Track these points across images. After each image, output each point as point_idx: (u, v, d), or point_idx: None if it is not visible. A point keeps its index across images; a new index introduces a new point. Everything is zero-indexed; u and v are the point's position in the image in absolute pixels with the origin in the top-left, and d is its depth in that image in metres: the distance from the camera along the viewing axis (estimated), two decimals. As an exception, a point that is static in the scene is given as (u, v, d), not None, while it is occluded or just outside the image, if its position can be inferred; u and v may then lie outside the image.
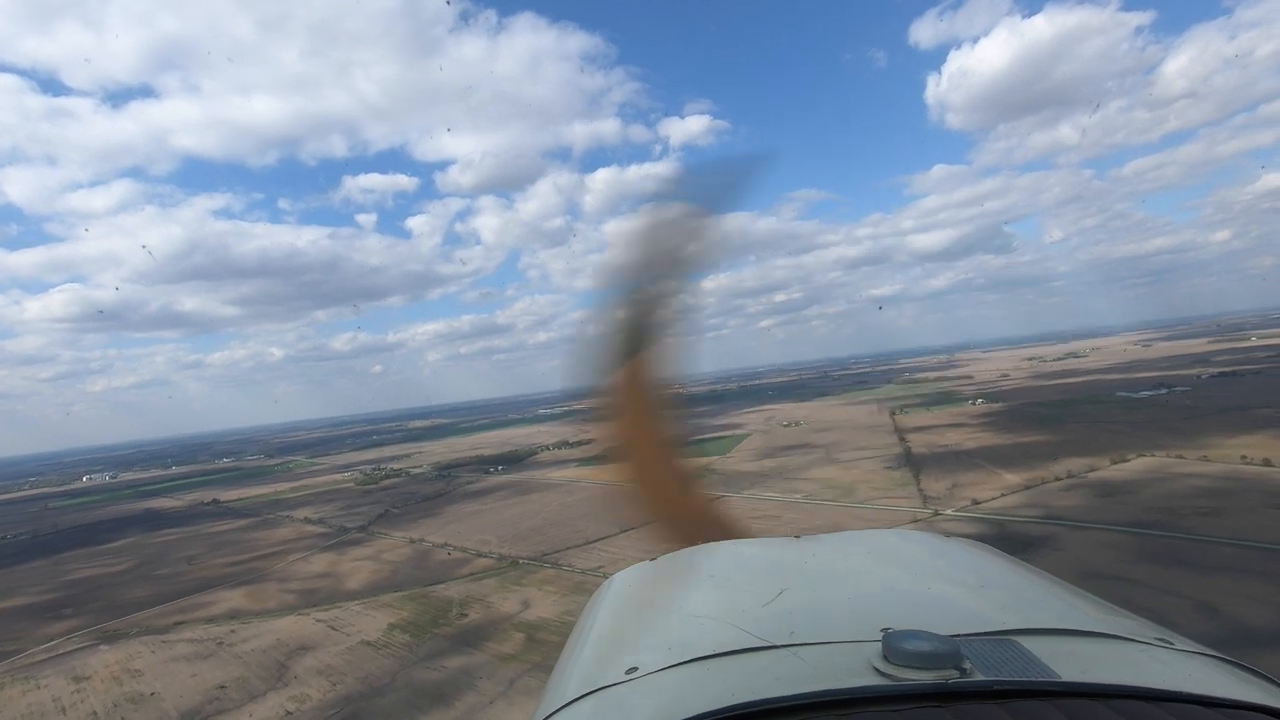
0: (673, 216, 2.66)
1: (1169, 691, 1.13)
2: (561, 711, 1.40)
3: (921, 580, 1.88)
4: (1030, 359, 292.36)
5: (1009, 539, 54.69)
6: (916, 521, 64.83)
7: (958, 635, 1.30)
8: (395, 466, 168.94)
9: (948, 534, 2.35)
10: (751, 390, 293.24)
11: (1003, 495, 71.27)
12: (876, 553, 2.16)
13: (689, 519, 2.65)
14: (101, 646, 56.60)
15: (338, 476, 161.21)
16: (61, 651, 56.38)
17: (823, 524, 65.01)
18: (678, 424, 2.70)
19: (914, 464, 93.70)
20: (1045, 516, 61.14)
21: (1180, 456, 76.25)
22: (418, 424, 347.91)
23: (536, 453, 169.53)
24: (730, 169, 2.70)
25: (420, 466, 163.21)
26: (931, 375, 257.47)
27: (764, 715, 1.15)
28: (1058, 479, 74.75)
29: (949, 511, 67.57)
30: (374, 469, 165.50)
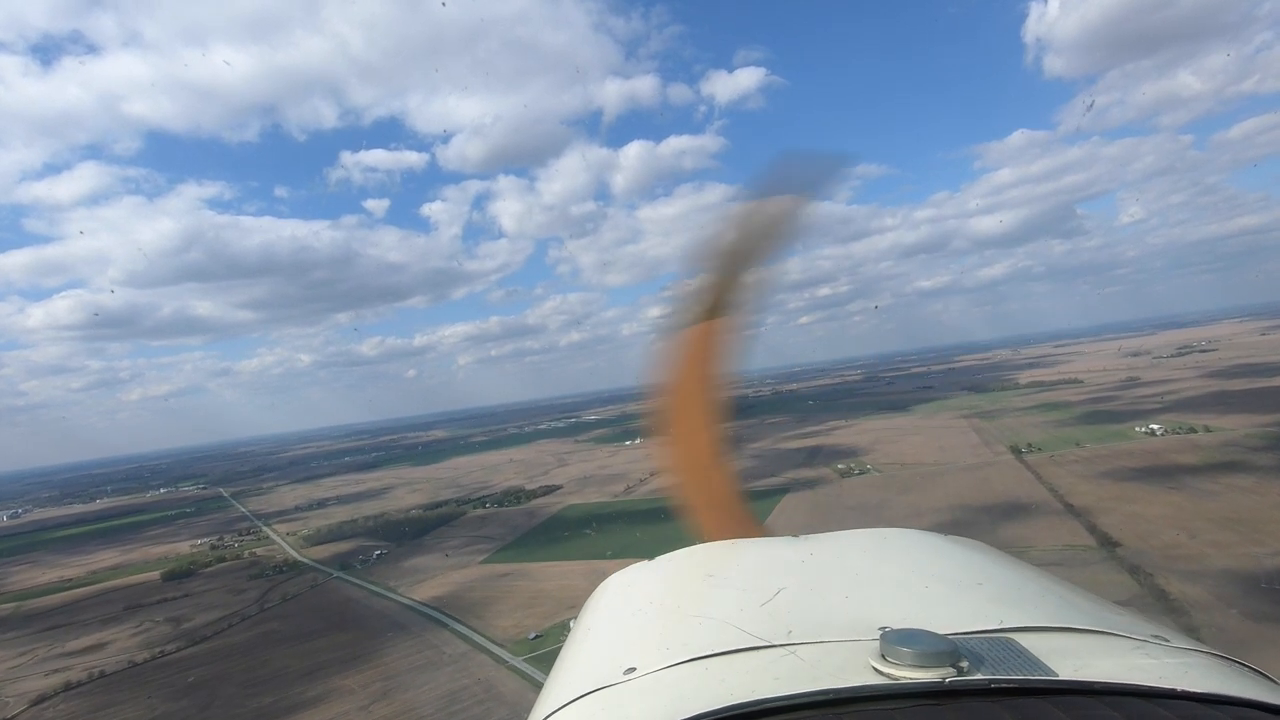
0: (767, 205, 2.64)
1: (1165, 689, 1.14)
2: (559, 712, 1.38)
3: (919, 579, 1.85)
4: (1134, 354, 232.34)
5: None
6: None
7: (955, 634, 1.28)
8: (258, 550, 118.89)
9: (945, 533, 2.28)
10: (785, 400, 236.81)
11: None
12: (874, 552, 2.13)
13: (715, 505, 2.63)
14: None
15: (183, 549, 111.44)
16: None
17: None
18: (726, 410, 2.72)
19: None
20: None
21: None
22: (421, 436, 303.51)
23: (473, 507, 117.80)
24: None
25: (305, 529, 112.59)
26: (1020, 378, 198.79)
27: (762, 715, 1.13)
28: None
29: None
30: (216, 544, 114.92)
